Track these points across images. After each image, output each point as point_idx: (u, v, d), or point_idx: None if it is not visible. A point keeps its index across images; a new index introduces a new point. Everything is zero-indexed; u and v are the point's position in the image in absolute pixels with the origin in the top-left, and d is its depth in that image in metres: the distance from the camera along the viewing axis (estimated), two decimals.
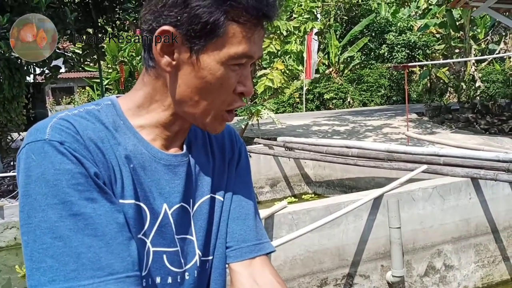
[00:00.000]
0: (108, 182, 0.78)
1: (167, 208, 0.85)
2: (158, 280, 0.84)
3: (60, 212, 0.71)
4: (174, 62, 0.80)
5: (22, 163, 0.74)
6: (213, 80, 0.79)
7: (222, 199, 0.94)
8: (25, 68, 7.01)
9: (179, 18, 0.76)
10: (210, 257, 0.92)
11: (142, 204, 0.82)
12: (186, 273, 0.88)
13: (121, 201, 0.79)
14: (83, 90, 24.24)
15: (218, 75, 0.79)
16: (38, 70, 7.75)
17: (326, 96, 18.58)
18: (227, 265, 0.94)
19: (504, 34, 18.08)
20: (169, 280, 0.85)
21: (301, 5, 8.44)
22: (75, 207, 0.72)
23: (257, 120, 8.57)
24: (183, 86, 0.81)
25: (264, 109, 8.48)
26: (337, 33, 19.78)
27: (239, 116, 9.72)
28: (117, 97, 0.88)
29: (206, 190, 0.91)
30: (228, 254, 0.93)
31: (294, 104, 18.60)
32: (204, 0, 0.75)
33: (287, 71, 8.42)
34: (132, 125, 0.84)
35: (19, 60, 6.62)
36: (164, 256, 0.84)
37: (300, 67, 15.71)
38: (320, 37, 17.60)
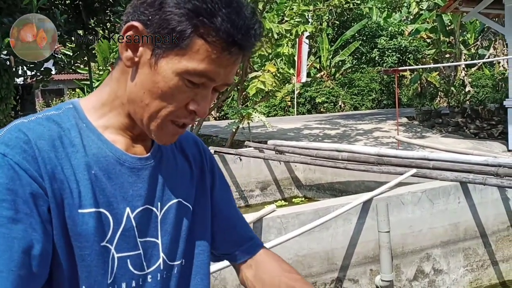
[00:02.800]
0: (58, 195, 0.76)
1: (130, 211, 0.84)
2: (123, 286, 0.84)
3: None
4: (136, 59, 0.80)
5: None
6: (164, 88, 0.79)
7: (190, 206, 0.95)
8: (14, 69, 6.93)
9: (150, 18, 0.77)
10: (178, 262, 0.92)
11: (104, 211, 0.81)
12: (149, 276, 0.87)
13: (79, 211, 0.78)
14: (74, 92, 24.08)
15: (170, 84, 0.78)
16: (29, 73, 7.67)
17: (317, 100, 18.59)
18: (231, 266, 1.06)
19: (493, 39, 18.25)
20: (133, 284, 0.85)
21: (292, 9, 8.46)
22: None
23: (248, 123, 8.54)
24: (138, 85, 0.81)
25: (255, 112, 8.45)
26: (329, 37, 19.82)
27: (230, 119, 9.68)
28: (81, 97, 0.88)
29: (173, 195, 0.91)
30: (231, 258, 1.05)
31: (286, 108, 18.60)
32: (179, 9, 0.75)
33: (278, 74, 8.42)
34: (95, 127, 0.84)
35: (8, 61, 6.55)
36: (128, 261, 0.84)
37: (292, 71, 15.74)
38: (311, 41, 17.65)
